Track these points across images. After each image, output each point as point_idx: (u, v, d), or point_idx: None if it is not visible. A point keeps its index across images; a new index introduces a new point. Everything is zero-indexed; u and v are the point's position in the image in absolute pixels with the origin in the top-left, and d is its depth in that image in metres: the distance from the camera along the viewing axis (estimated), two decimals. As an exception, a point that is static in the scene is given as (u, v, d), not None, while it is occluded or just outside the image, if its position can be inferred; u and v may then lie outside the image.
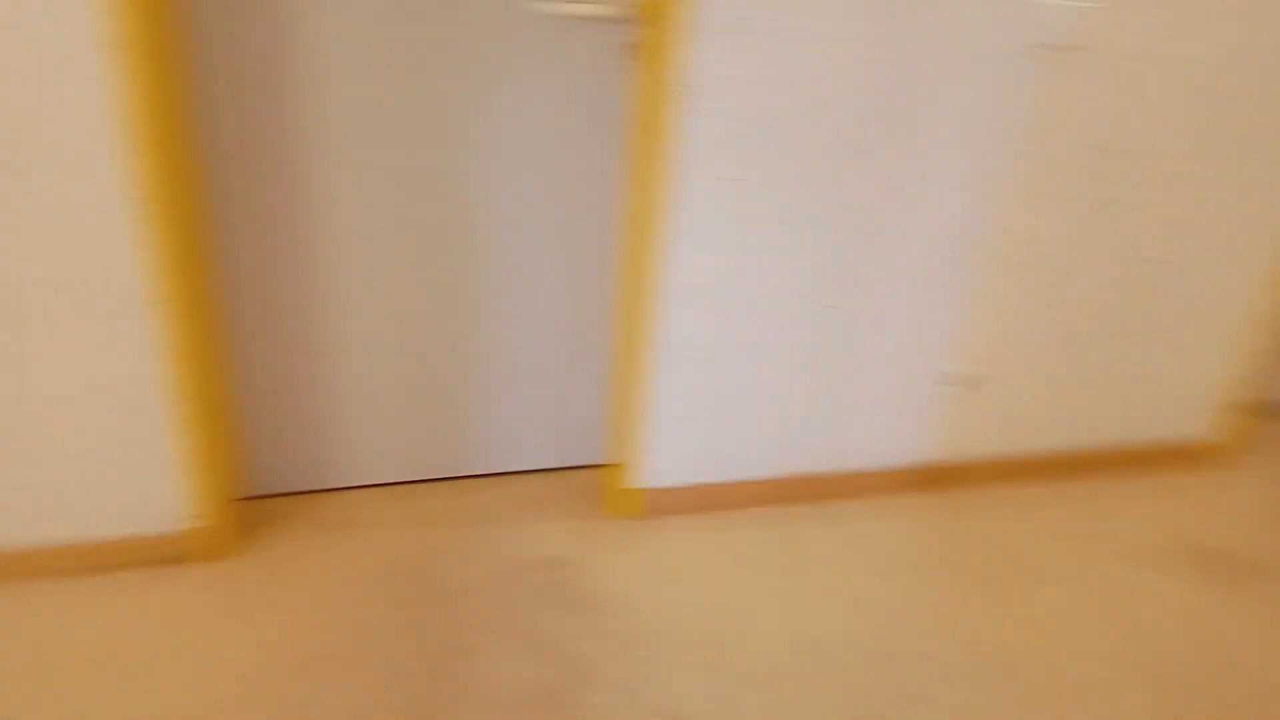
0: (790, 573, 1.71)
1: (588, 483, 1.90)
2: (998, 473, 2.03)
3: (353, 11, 1.41)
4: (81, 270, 1.30)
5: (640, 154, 1.52)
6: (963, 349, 1.84)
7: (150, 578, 1.55)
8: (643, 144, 1.51)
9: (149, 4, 1.23)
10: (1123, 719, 1.48)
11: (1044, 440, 2.03)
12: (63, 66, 1.19)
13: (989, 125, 1.60)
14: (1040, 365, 1.92)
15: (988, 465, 2.01)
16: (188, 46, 1.37)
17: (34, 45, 1.17)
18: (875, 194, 1.61)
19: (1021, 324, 1.85)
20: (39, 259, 1.29)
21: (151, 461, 1.47)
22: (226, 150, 1.45)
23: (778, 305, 1.66)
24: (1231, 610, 1.76)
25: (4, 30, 1.16)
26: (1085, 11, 1.55)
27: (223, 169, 1.46)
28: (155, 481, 1.49)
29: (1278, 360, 2.36)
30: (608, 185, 1.64)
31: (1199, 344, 2.01)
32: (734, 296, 1.62)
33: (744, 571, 1.70)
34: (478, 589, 1.59)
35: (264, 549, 1.65)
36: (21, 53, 1.17)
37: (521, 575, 1.64)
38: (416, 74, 1.47)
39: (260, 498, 1.77)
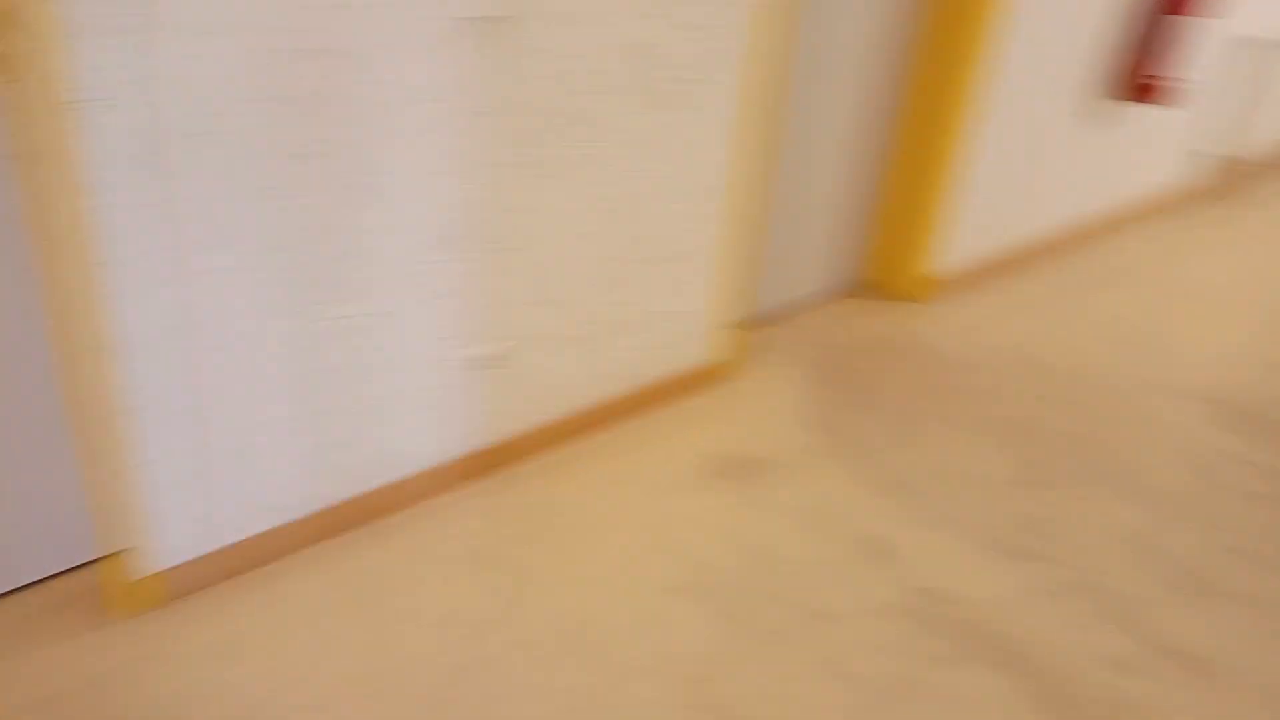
0: (362, 607, 1.58)
1: (82, 586, 1.58)
2: (541, 441, 2.06)
3: None
4: None
5: (39, 189, 1.24)
6: (478, 330, 1.81)
7: None
8: (39, 176, 1.23)
9: None
10: (698, 652, 1.57)
11: (575, 400, 2.09)
12: None
13: (440, 104, 1.56)
14: (553, 329, 1.96)
15: (530, 437, 2.03)
16: None
17: None
18: (340, 194, 1.49)
19: (525, 293, 1.86)
20: None
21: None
22: None
23: (256, 331, 1.48)
24: (759, 508, 1.96)
25: None
26: (505, -20, 1.56)
27: None
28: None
29: (751, 280, 2.68)
30: (9, 230, 1.33)
31: (684, 278, 2.19)
32: (201, 332, 1.42)
33: (307, 627, 1.53)
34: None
35: None
36: None
37: (9, 729, 1.31)
38: None
39: None
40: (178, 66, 1.25)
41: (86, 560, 1.61)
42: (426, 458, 1.84)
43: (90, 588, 1.58)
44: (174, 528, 1.51)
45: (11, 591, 1.55)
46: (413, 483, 1.83)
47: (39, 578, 1.57)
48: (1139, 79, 3.08)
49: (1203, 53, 3.46)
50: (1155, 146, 3.58)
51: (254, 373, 1.50)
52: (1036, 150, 3.05)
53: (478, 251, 1.73)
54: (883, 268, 3.01)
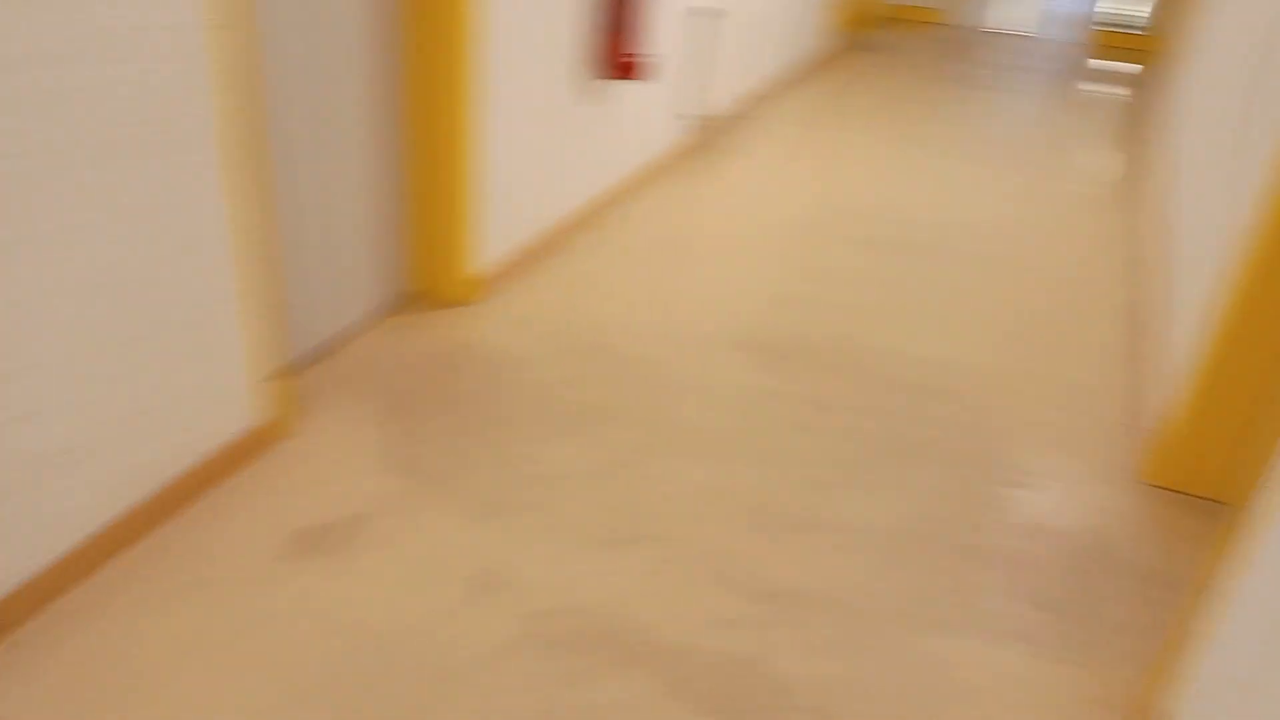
0: None
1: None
2: (54, 587, 1.67)
3: None
4: None
5: None
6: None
7: None
8: None
9: None
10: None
11: (91, 523, 1.72)
12: None
13: None
14: (34, 449, 1.58)
15: (35, 586, 1.63)
16: None
17: None
18: None
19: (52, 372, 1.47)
20: None
21: None
22: None
23: None
24: (356, 578, 1.78)
25: None
26: None
27: None
28: None
29: (283, 323, 2.42)
30: None
31: (203, 343, 1.90)
32: None
33: None
34: None
35: None
36: None
37: None
38: None
39: None
40: None
41: None
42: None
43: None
44: None
45: None
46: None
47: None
48: (616, 58, 3.29)
49: (665, 27, 3.79)
50: (646, 117, 3.89)
51: None
52: (544, 135, 3.13)
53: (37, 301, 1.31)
54: (425, 276, 2.91)
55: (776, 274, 3.30)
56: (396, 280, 2.87)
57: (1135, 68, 6.53)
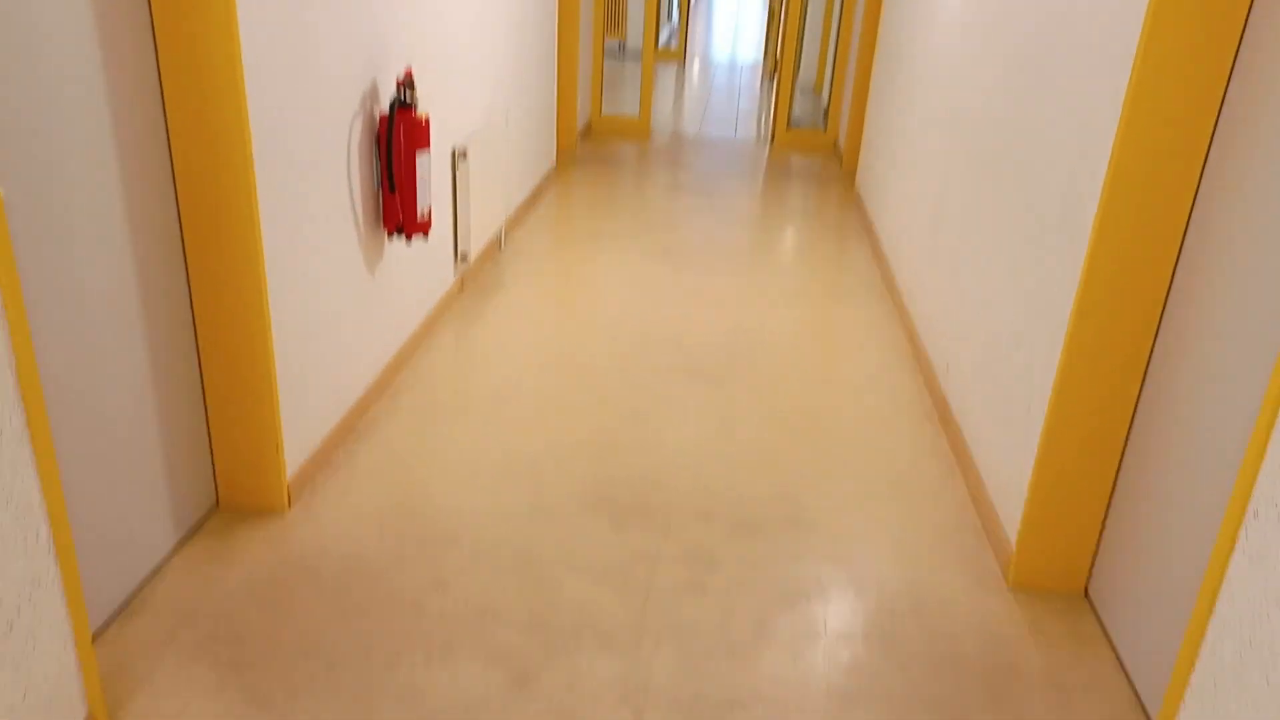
0: None
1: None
2: None
3: None
4: None
5: None
6: None
7: None
8: None
9: None
10: None
11: None
12: None
13: None
14: None
15: None
16: None
17: None
18: None
19: None
20: None
21: None
22: None
23: None
24: None
25: None
26: None
27: None
28: None
29: (77, 601, 2.01)
30: None
31: (11, 642, 1.52)
32: None
33: None
34: None
35: None
36: None
37: None
38: None
39: None
40: None
41: None
42: None
43: None
44: None
45: None
46: None
47: None
48: (396, 214, 3.14)
49: (430, 176, 3.69)
50: (423, 267, 3.73)
51: None
52: (335, 310, 2.90)
53: None
54: (233, 487, 2.56)
55: (582, 415, 3.26)
56: (203, 498, 2.50)
57: (835, 162, 7.30)
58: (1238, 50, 1.96)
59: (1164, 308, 2.18)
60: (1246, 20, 1.93)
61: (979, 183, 3.24)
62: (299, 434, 2.67)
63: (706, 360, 3.77)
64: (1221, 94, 1.99)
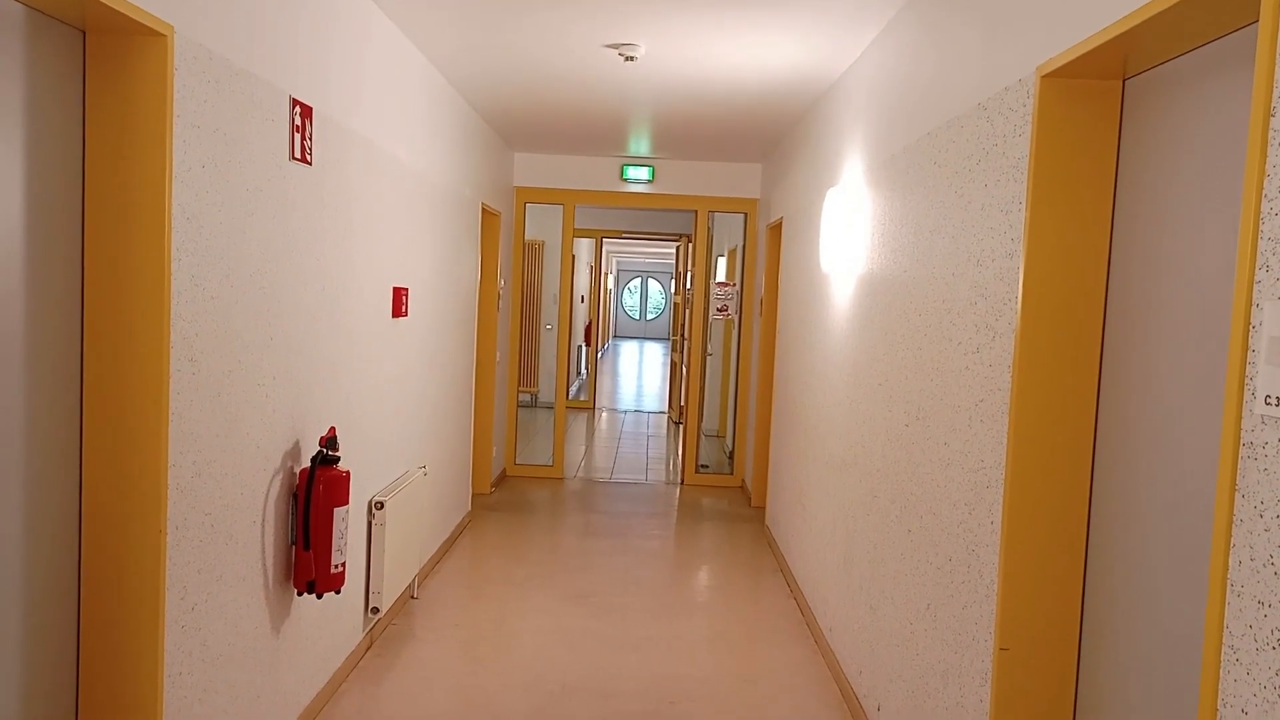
0: None
1: None
2: None
3: None
4: None
5: None
6: None
7: None
8: None
9: None
10: None
11: None
12: None
13: None
14: None
15: None
16: None
17: None
18: None
19: None
20: None
21: None
22: None
23: None
24: None
25: None
26: None
27: None
28: None
29: None
30: None
31: None
32: None
33: None
34: None
35: None
36: None
37: None
38: None
39: None
40: None
41: None
42: None
43: None
44: None
45: None
46: None
47: None
48: (310, 571, 3.06)
49: (347, 530, 3.67)
50: (334, 621, 3.58)
51: None
52: (242, 674, 2.71)
53: None
54: None
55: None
56: None
57: (743, 503, 7.51)
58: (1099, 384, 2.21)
59: (1080, 632, 2.23)
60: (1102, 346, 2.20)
61: (884, 521, 3.38)
62: (181, 824, 2.38)
63: (630, 716, 3.59)
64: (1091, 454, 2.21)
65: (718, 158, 7.46)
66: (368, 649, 4.04)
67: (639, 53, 4.30)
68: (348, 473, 3.15)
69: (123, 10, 2.01)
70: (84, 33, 2.15)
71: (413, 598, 4.78)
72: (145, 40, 2.16)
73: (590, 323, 14.42)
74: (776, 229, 6.73)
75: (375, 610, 4.04)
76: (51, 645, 2.15)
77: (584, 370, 14.29)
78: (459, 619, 4.57)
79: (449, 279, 5.36)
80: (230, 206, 2.54)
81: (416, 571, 4.67)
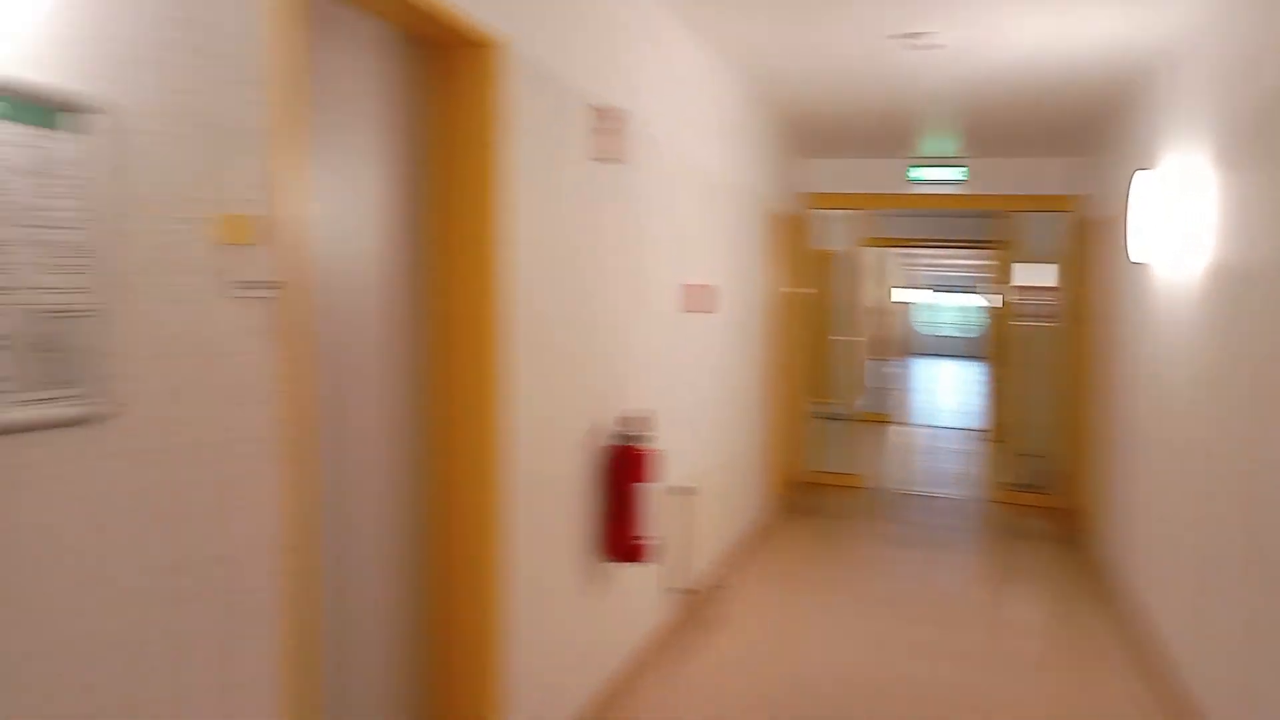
0: None
1: None
2: None
3: None
4: None
5: None
6: None
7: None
8: None
9: None
10: None
11: None
12: None
13: None
14: None
15: None
16: None
17: None
18: None
19: None
20: None
21: None
22: None
23: None
24: None
25: None
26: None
27: None
28: None
29: None
30: None
31: None
32: None
33: None
34: None
35: None
36: None
37: None
38: None
39: None
40: None
41: None
42: None
43: None
44: None
45: None
46: None
47: None
48: (621, 542, 3.28)
49: (656, 508, 3.87)
50: (640, 595, 3.80)
51: None
52: (557, 623, 2.97)
53: None
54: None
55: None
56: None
57: (1064, 524, 6.95)
58: None
59: None
60: None
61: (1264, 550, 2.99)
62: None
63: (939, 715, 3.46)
64: None
65: (1029, 153, 7.00)
66: (672, 628, 4.23)
67: (940, 40, 4.19)
68: (652, 452, 3.34)
69: (471, 25, 2.31)
70: (425, 45, 2.48)
71: (714, 589, 4.93)
72: (483, 51, 2.46)
73: (885, 334, 14.04)
74: (1104, 225, 6.15)
75: (682, 590, 4.21)
76: (407, 592, 2.49)
77: (881, 383, 13.92)
78: (761, 613, 4.65)
79: (741, 281, 5.50)
80: (547, 204, 2.82)
81: (719, 562, 4.81)
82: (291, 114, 1.72)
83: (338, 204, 2.34)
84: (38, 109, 1.28)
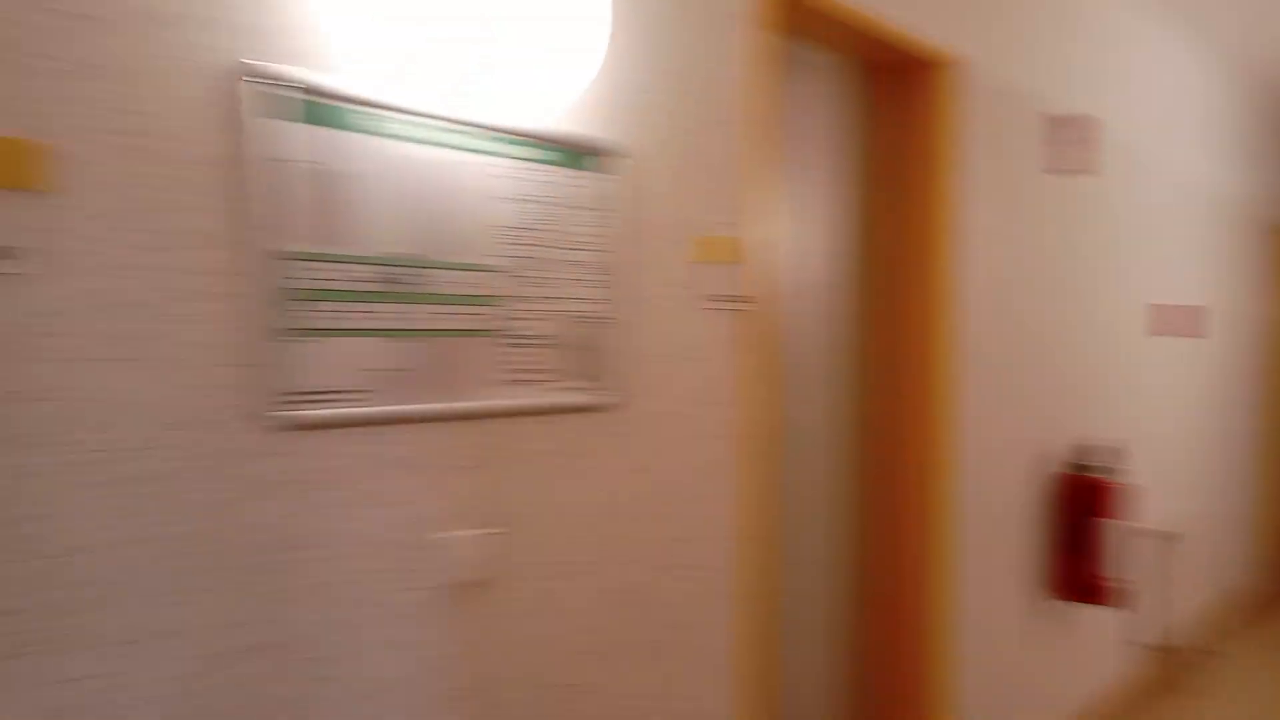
0: None
1: None
2: None
3: None
4: None
5: None
6: None
7: None
8: None
9: None
10: None
11: None
12: None
13: (411, 692, 1.19)
14: None
15: None
16: None
17: None
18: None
19: None
20: None
21: None
22: None
23: None
24: None
25: None
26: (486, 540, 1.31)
27: None
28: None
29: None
30: None
31: None
32: None
33: None
34: None
35: None
36: None
37: None
38: None
39: None
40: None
41: None
42: None
43: None
44: None
45: None
46: None
47: None
48: (1079, 580, 3.05)
49: (1126, 549, 3.54)
50: (1096, 642, 3.49)
51: None
52: (1005, 655, 2.85)
53: None
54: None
55: None
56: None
57: None
58: None
59: None
60: None
61: None
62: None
63: None
64: None
65: None
66: (1139, 686, 3.80)
67: None
68: (1120, 486, 3.07)
69: (928, 46, 2.38)
70: (877, 70, 2.57)
71: (1202, 650, 4.33)
72: (938, 71, 2.50)
73: None
74: None
75: (1153, 646, 3.78)
76: (845, 621, 2.57)
77: None
78: (1261, 686, 3.98)
79: (1229, 303, 4.80)
80: (998, 220, 2.76)
81: (1197, 618, 4.23)
82: (762, 147, 1.92)
83: (794, 225, 2.53)
84: (578, 155, 1.60)
